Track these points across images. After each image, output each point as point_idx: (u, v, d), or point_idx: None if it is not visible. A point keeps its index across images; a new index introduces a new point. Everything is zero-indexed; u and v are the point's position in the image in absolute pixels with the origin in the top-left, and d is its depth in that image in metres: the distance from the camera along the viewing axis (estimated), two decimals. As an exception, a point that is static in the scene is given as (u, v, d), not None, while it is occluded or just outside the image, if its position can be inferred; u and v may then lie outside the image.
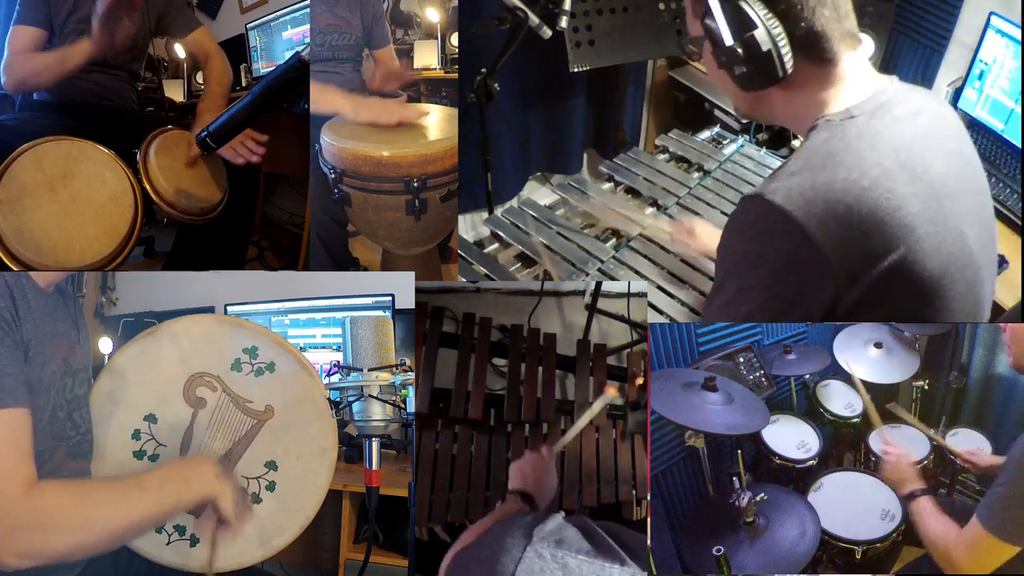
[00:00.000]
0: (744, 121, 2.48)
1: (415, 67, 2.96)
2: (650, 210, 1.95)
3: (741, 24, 1.00)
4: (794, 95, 1.07)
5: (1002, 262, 1.75)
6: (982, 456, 1.66)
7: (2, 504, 0.94)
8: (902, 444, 1.78)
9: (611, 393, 1.56)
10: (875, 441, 1.78)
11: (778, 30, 0.99)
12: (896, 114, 1.03)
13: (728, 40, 1.02)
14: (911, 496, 1.40)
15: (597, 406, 1.55)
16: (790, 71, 1.02)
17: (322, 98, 1.76)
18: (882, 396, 1.94)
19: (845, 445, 1.92)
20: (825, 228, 0.95)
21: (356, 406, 1.39)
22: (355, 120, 1.85)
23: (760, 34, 0.99)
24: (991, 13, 2.03)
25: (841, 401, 1.95)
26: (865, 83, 1.06)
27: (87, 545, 1.02)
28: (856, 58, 1.06)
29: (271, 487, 1.26)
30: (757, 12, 0.99)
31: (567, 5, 1.80)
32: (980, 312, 1.12)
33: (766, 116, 1.16)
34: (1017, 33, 1.94)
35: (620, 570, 0.69)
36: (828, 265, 0.96)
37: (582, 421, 1.51)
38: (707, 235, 1.68)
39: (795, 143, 2.34)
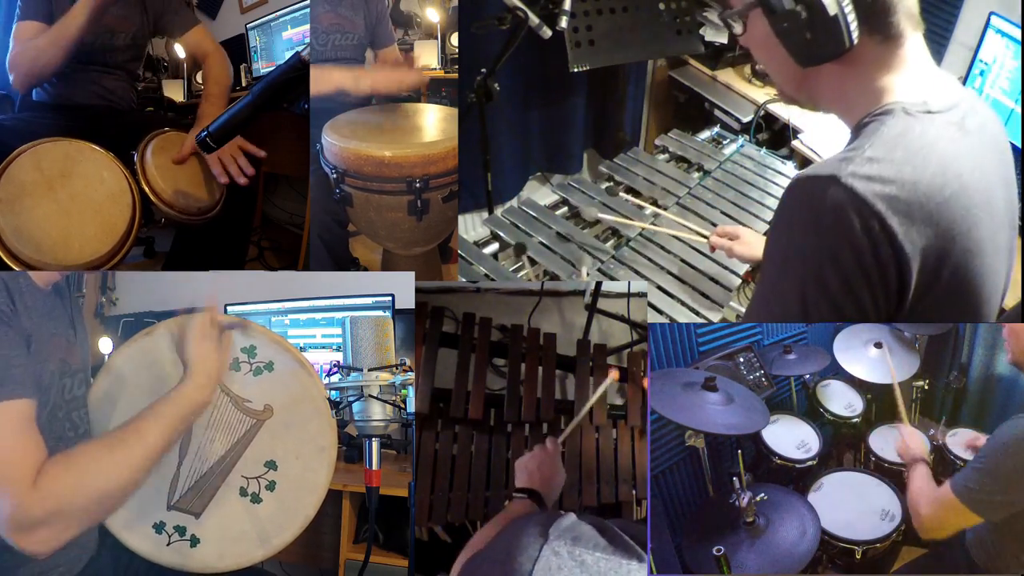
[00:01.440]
0: (744, 121, 2.48)
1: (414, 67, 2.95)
2: (650, 210, 1.95)
3: None
4: (851, 75, 0.97)
5: (1002, 262, 1.75)
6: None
7: (14, 497, 0.94)
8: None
9: (613, 376, 1.55)
10: (882, 438, 1.81)
11: None
12: (969, 125, 0.95)
13: (788, 3, 0.92)
14: (912, 462, 1.53)
15: (600, 390, 1.55)
16: (856, 42, 0.92)
17: (321, 77, 1.76)
18: (882, 396, 1.94)
19: (845, 445, 1.92)
20: (908, 230, 0.87)
21: (356, 406, 1.39)
22: (356, 91, 1.85)
23: None
24: (991, 13, 2.02)
25: (841, 401, 1.95)
26: (931, 74, 0.98)
27: (107, 508, 1.06)
28: (919, 42, 0.97)
29: (271, 487, 1.26)
30: None
31: (567, 5, 1.80)
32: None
33: (814, 99, 1.04)
34: (1017, 33, 1.94)
35: (638, 566, 0.68)
36: (908, 268, 0.89)
37: (585, 408, 1.51)
38: (756, 241, 1.61)
39: (795, 143, 2.34)
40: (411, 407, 1.46)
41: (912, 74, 0.96)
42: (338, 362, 1.43)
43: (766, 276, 1.02)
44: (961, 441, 1.76)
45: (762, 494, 1.56)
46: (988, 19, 2.03)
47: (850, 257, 0.88)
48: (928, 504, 1.42)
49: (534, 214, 1.90)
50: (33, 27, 1.86)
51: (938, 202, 0.89)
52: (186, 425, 1.13)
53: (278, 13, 2.65)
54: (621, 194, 2.02)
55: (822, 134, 2.31)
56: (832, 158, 0.93)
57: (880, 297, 0.91)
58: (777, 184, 2.14)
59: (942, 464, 1.80)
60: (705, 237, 1.73)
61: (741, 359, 1.93)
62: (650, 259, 1.76)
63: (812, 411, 1.95)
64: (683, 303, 1.65)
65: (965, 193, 0.91)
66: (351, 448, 2.06)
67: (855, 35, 0.91)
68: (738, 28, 1.02)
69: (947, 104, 0.95)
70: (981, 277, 0.96)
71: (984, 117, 1.00)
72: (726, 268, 1.76)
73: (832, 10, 0.89)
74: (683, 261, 1.76)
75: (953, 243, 0.91)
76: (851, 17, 0.90)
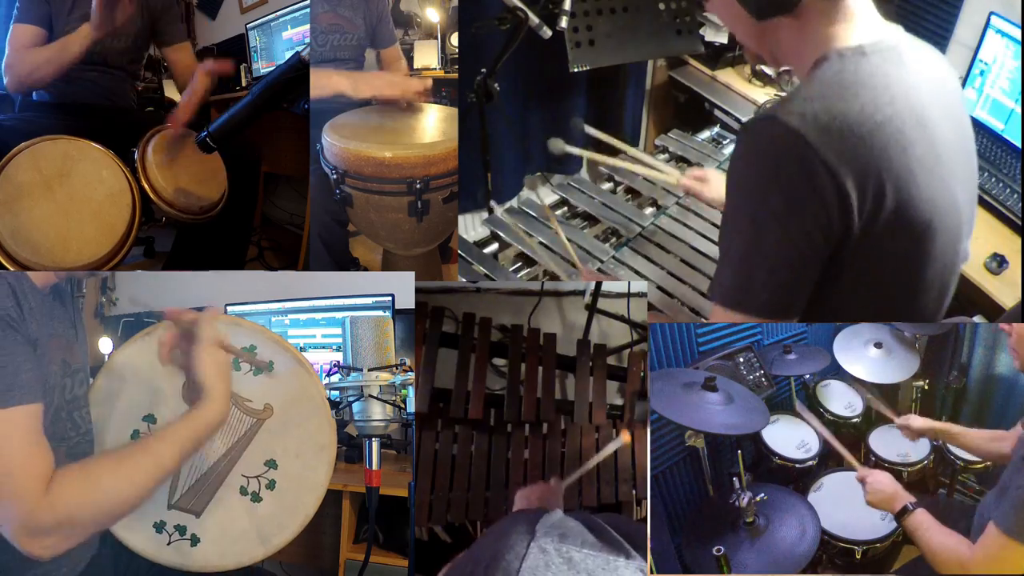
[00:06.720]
0: (744, 121, 2.48)
1: (415, 67, 2.96)
2: (650, 210, 1.95)
3: None
4: (803, 27, 1.04)
5: (1002, 262, 1.75)
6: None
7: (25, 504, 0.94)
8: (899, 445, 1.80)
9: (625, 439, 1.57)
10: (882, 438, 1.78)
11: None
12: (906, 61, 1.03)
13: None
14: (904, 512, 1.35)
15: (611, 448, 1.56)
16: None
17: (320, 81, 1.75)
18: (882, 396, 1.94)
19: (845, 445, 1.91)
20: (840, 156, 0.95)
21: (356, 406, 1.39)
22: (356, 96, 1.84)
23: None
24: (991, 13, 2.02)
25: (841, 401, 1.95)
26: (874, 24, 1.05)
27: (115, 519, 1.07)
28: None
29: (271, 485, 1.26)
30: None
31: (567, 5, 1.80)
32: (957, 264, 1.16)
33: (773, 52, 1.12)
34: (1017, 33, 1.94)
35: (625, 563, 0.66)
36: (846, 195, 0.96)
37: (592, 461, 1.54)
38: (721, 182, 1.65)
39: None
40: (411, 407, 1.46)
41: (856, 25, 1.04)
42: (338, 362, 1.43)
43: (725, 211, 1.09)
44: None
45: (762, 494, 1.57)
46: (988, 19, 2.03)
47: (788, 185, 0.97)
48: (977, 560, 1.21)
49: (534, 214, 1.90)
50: (29, 31, 1.87)
51: (869, 128, 0.96)
52: (200, 444, 1.13)
53: (278, 13, 2.65)
54: (620, 193, 2.03)
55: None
56: (775, 102, 0.98)
57: (823, 220, 0.97)
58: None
59: (943, 465, 1.80)
60: (683, 196, 1.75)
61: (741, 359, 1.94)
62: (650, 259, 1.76)
63: (812, 411, 1.95)
64: (683, 303, 1.65)
65: (899, 117, 0.99)
66: (351, 448, 2.06)
67: None
68: None
69: (883, 45, 1.03)
70: (927, 202, 1.02)
71: (924, 55, 1.09)
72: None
73: None
74: (682, 261, 1.76)
75: (891, 163, 0.97)
76: None
